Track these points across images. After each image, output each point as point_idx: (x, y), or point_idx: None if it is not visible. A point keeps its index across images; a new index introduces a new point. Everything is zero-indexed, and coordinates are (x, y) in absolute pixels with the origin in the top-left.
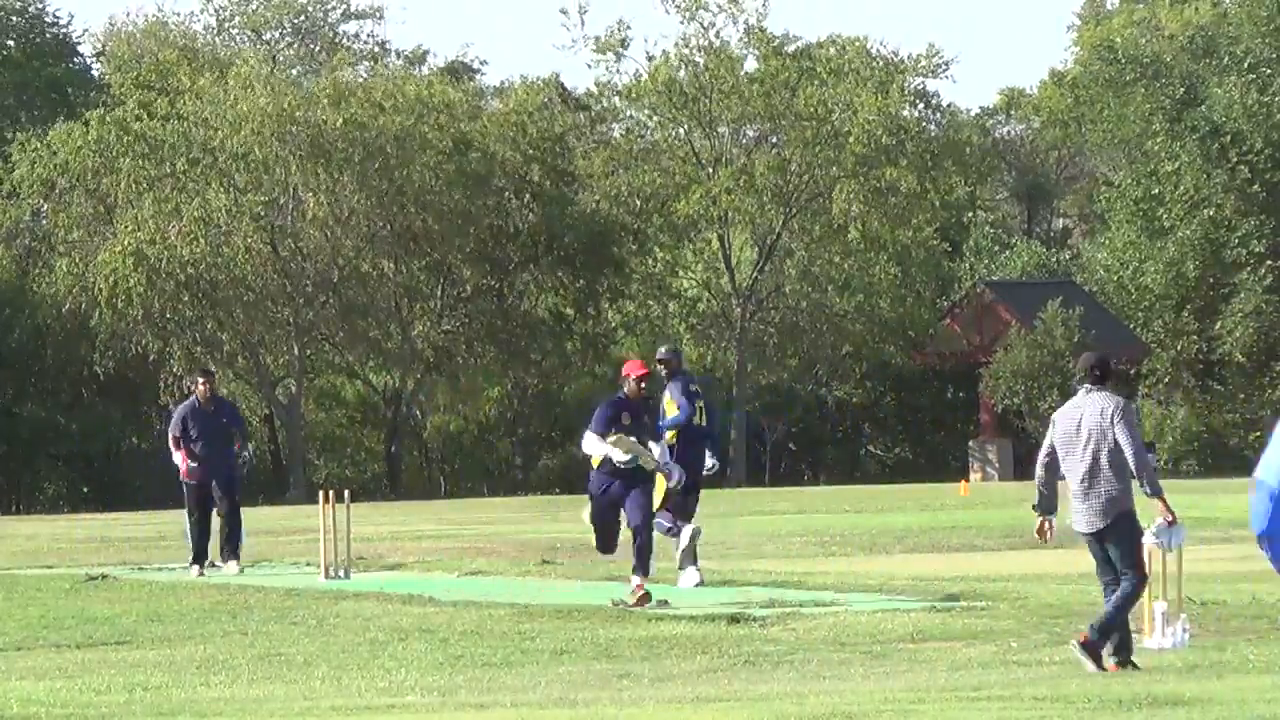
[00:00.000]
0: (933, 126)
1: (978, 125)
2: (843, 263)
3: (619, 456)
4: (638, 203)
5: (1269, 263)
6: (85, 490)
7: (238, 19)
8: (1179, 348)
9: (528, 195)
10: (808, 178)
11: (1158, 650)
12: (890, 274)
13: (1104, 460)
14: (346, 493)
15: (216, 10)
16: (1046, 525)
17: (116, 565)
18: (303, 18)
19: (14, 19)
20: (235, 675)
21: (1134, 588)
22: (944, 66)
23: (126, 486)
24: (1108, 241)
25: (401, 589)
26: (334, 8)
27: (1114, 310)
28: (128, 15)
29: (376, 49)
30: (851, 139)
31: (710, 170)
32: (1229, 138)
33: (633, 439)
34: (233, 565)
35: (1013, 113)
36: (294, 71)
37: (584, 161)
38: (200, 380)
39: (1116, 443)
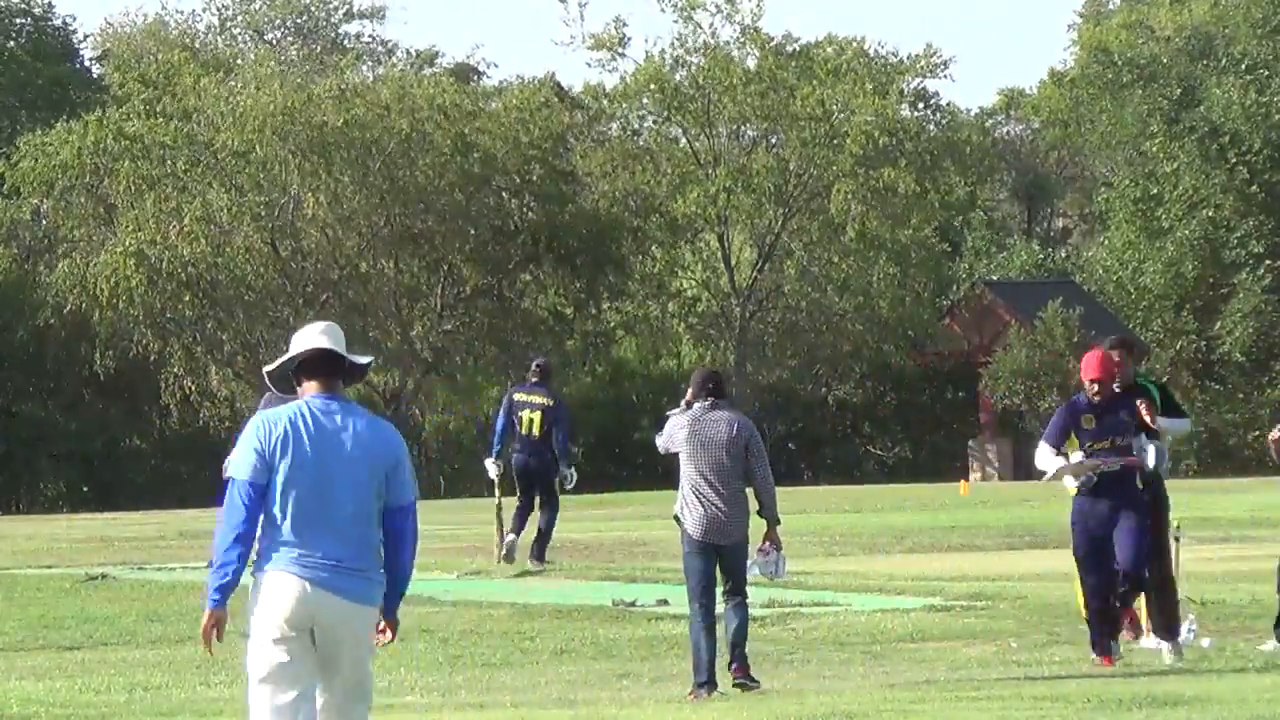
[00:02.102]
0: (932, 126)
1: (977, 125)
2: (841, 263)
3: (1069, 483)
4: (634, 203)
5: (1268, 263)
6: (85, 490)
7: (240, 19)
8: (1178, 347)
9: (527, 194)
10: (806, 178)
11: (1157, 650)
12: (889, 274)
13: (736, 476)
14: None
15: (219, 10)
16: None
17: (116, 565)
18: (304, 18)
19: (17, 20)
20: (235, 675)
21: (746, 610)
22: (943, 66)
23: (126, 486)
24: (1107, 241)
25: None
26: (336, 8)
27: (1113, 310)
28: (127, 15)
29: (381, 49)
30: (849, 139)
31: (709, 170)
32: (1227, 138)
33: (1079, 458)
34: None
35: (1012, 113)
36: (294, 73)
37: (582, 160)
38: None
39: (749, 461)
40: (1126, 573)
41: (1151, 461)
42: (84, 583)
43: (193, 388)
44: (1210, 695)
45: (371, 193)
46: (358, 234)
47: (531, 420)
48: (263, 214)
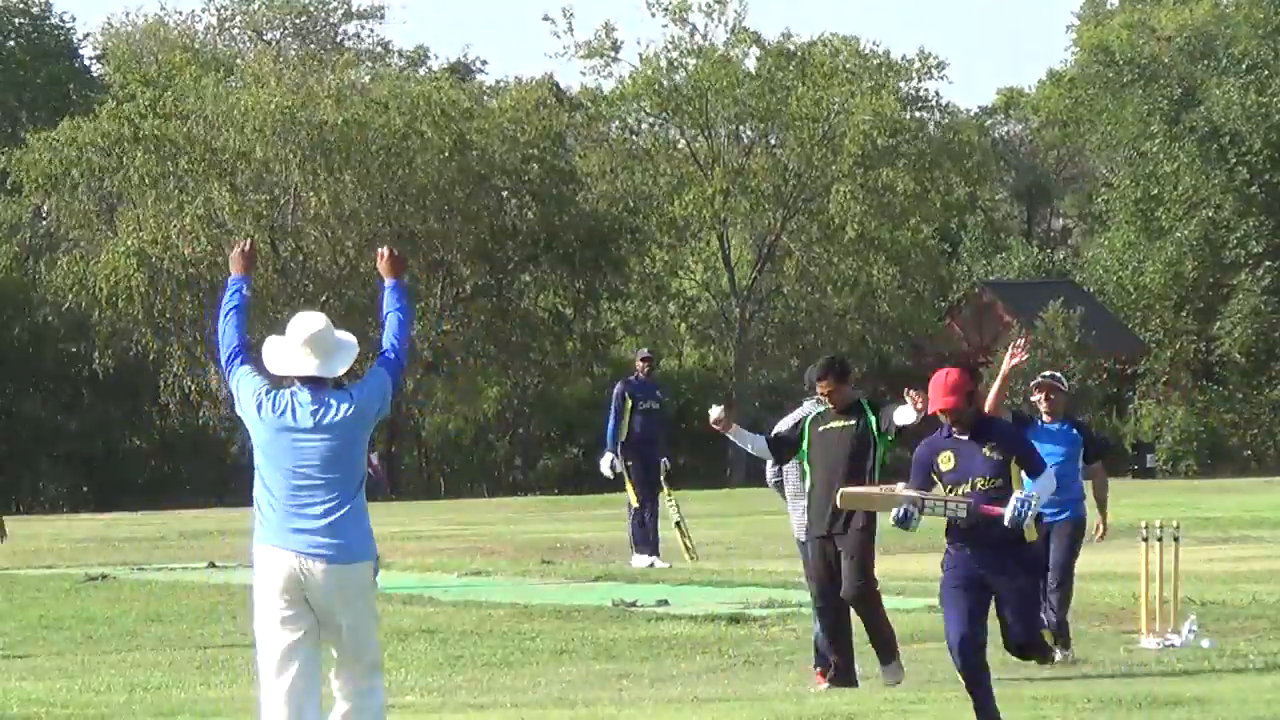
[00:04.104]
0: (931, 126)
1: (977, 125)
2: (841, 263)
3: (891, 521)
4: (632, 203)
5: (1267, 263)
6: (85, 490)
7: (239, 18)
8: (1177, 347)
9: (526, 194)
10: (805, 178)
11: (1157, 650)
12: (889, 274)
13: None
14: None
15: (218, 10)
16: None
17: (116, 565)
18: (304, 18)
19: (17, 19)
20: (235, 675)
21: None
22: (939, 68)
23: (127, 486)
24: (1107, 241)
25: (401, 589)
26: (335, 8)
27: (1113, 310)
28: (127, 15)
29: (378, 49)
30: (848, 140)
31: (707, 171)
32: (1227, 139)
33: (897, 488)
34: None
35: (1011, 113)
36: (295, 72)
37: (582, 160)
38: None
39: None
40: (1020, 645)
41: (1009, 515)
42: (84, 583)
43: (193, 387)
44: (1210, 695)
45: (372, 192)
46: (358, 234)
47: None
48: (263, 214)
